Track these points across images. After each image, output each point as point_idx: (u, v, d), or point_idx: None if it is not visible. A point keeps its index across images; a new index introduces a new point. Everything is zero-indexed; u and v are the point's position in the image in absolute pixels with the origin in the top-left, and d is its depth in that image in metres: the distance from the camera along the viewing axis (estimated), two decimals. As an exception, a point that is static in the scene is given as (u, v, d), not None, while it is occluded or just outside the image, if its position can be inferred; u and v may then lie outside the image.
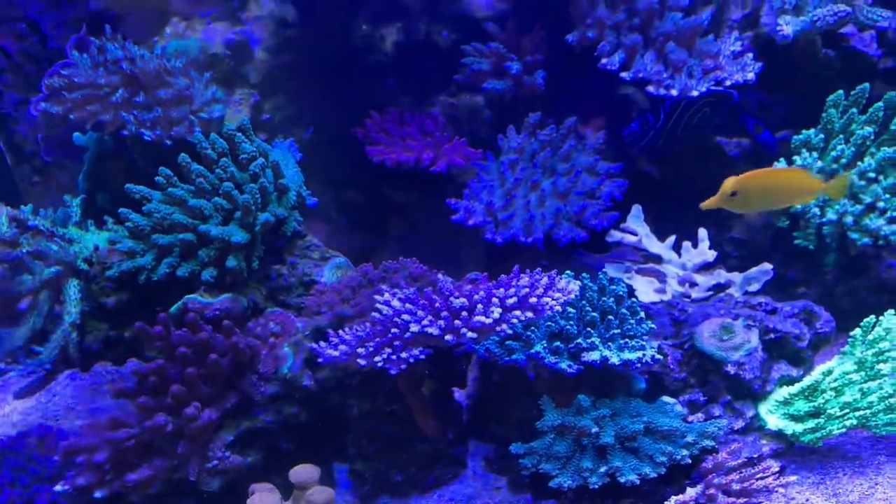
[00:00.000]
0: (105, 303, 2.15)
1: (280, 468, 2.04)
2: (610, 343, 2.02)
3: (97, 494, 1.85)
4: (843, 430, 1.97)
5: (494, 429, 2.20)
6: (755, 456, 2.03)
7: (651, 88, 2.39)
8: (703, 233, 2.50)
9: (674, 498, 1.88)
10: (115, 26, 2.72)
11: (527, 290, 1.75)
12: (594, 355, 1.97)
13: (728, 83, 2.34)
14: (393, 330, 1.74)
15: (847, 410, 1.97)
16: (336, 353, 1.76)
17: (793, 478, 1.96)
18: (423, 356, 1.76)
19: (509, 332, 1.80)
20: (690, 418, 2.09)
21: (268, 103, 2.68)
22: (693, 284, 2.44)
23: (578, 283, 1.95)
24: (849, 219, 2.27)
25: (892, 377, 1.97)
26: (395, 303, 1.77)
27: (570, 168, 2.57)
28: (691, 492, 1.90)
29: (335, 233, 2.93)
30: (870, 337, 2.02)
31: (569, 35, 2.56)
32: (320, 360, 1.81)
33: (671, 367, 2.13)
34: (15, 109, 2.96)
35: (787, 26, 2.27)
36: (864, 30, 2.40)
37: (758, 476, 1.91)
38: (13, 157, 3.03)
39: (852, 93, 2.37)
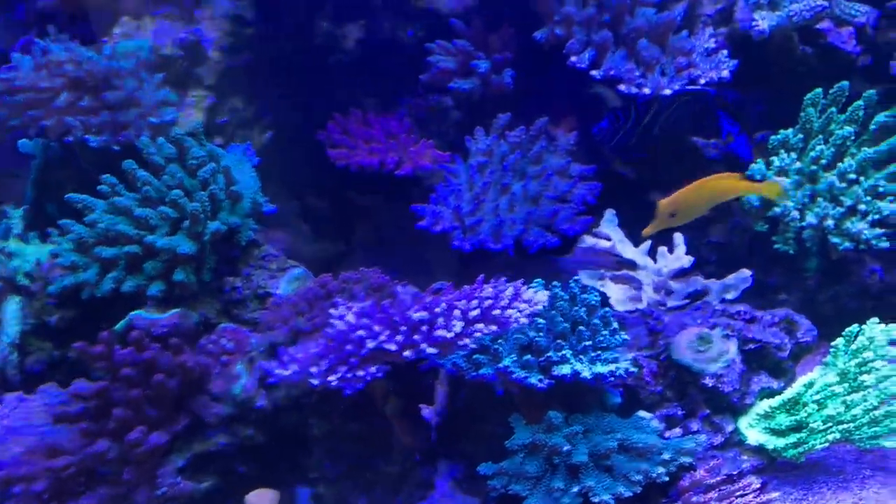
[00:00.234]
0: (48, 321, 2.03)
1: (237, 493, 1.95)
2: (581, 356, 1.92)
3: (36, 526, 1.74)
4: (826, 444, 1.88)
5: (465, 447, 2.10)
6: (735, 473, 1.93)
7: (622, 87, 2.29)
8: (678, 237, 2.41)
9: (650, 519, 1.80)
10: (67, 27, 2.59)
11: (490, 301, 1.66)
12: (565, 369, 1.87)
13: (702, 81, 2.25)
14: (347, 346, 1.63)
15: (830, 424, 1.88)
16: (287, 373, 1.65)
17: (774, 494, 1.86)
18: (380, 374, 1.66)
19: (473, 346, 1.70)
20: (668, 434, 1.99)
21: (224, 105, 2.56)
22: (669, 292, 2.34)
23: (547, 292, 1.85)
24: (829, 222, 2.18)
25: (876, 389, 1.88)
26: (350, 317, 1.66)
27: (540, 171, 2.47)
28: (668, 512, 1.81)
29: (298, 241, 2.81)
30: (852, 347, 1.93)
31: (537, 32, 2.45)
32: (270, 379, 1.70)
33: (646, 379, 2.03)
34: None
35: (763, 21, 2.18)
36: (841, 25, 2.31)
37: (738, 493, 1.83)
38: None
39: (831, 91, 2.28)
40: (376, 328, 1.61)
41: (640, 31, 2.34)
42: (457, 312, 1.61)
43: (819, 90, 2.28)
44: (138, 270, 1.98)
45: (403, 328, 1.61)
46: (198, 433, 1.95)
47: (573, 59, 2.35)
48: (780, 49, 2.34)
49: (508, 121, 2.58)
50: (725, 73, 2.23)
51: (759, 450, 1.96)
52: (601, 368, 1.89)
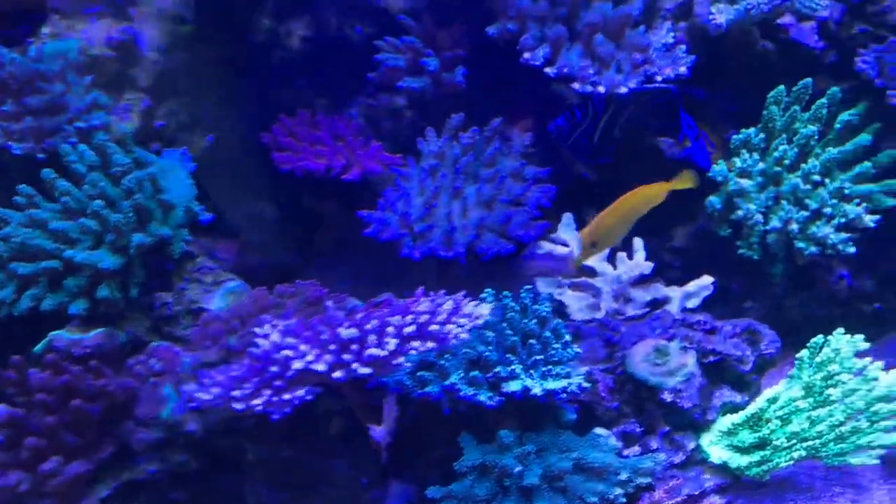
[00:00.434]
0: (-37, 342, 1.90)
1: (171, 522, 1.84)
2: (532, 371, 1.82)
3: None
4: (791, 462, 1.79)
5: (418, 468, 1.98)
6: (697, 492, 1.84)
7: (577, 85, 2.18)
8: (637, 242, 2.30)
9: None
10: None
11: (427, 316, 1.55)
12: (514, 385, 1.77)
13: (658, 78, 2.14)
14: (272, 368, 1.52)
15: (794, 441, 1.78)
16: (207, 397, 1.54)
17: (739, 514, 1.78)
18: (310, 397, 1.55)
19: (407, 365, 1.59)
20: (626, 452, 1.89)
21: (161, 109, 2.42)
22: (628, 300, 2.23)
23: (490, 305, 1.75)
24: (794, 226, 2.08)
25: (842, 403, 1.78)
26: (275, 336, 1.55)
27: (494, 174, 2.36)
28: (625, 535, 1.71)
29: (247, 251, 2.68)
30: (817, 359, 1.83)
31: (489, 27, 2.34)
32: (192, 404, 1.59)
33: (602, 395, 1.93)
34: None
35: (720, 15, 2.08)
36: (803, 20, 2.20)
37: (699, 515, 1.74)
38: None
39: (794, 88, 2.18)
40: (303, 347, 1.50)
41: (596, 26, 2.23)
42: (390, 329, 1.50)
43: (782, 87, 2.18)
44: (60, 287, 1.85)
45: (333, 347, 1.50)
46: (126, 460, 1.83)
47: (526, 55, 2.24)
48: (740, 44, 2.24)
49: (461, 121, 2.47)
50: (683, 70, 2.13)
51: (723, 468, 1.86)
52: (552, 384, 1.79)
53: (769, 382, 2.00)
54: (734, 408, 1.91)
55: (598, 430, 1.89)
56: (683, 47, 2.18)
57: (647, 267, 2.28)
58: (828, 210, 2.07)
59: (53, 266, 1.83)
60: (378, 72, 2.50)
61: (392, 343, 1.50)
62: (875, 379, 1.80)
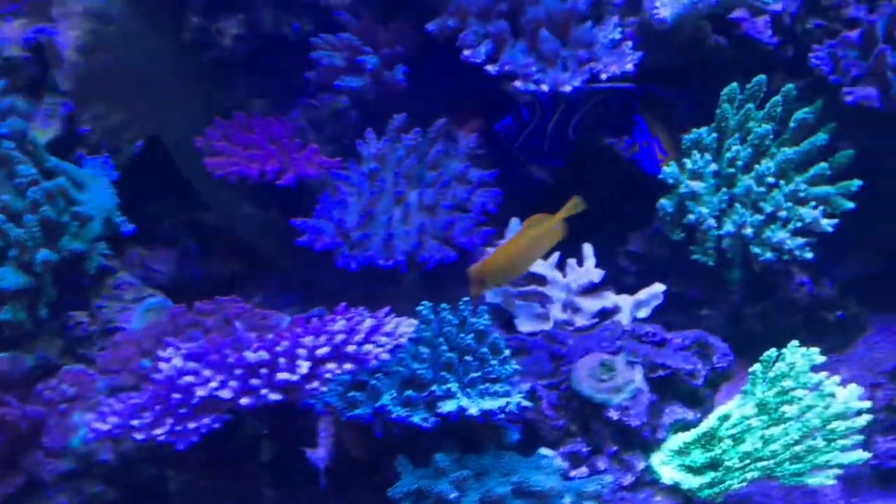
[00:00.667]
0: None
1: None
2: (469, 389, 1.71)
3: None
4: (744, 483, 1.69)
5: (359, 494, 1.87)
6: (646, 516, 1.74)
7: (519, 84, 2.07)
8: (587, 249, 2.19)
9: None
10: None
11: (343, 336, 1.44)
12: (450, 406, 1.66)
13: (603, 76, 2.03)
14: (175, 395, 1.40)
15: (748, 461, 1.68)
16: (105, 427, 1.42)
17: (691, 538, 1.68)
18: (218, 425, 1.44)
19: (323, 389, 1.48)
20: (573, 473, 1.79)
21: (85, 113, 2.30)
22: (577, 310, 2.13)
23: (415, 322, 1.64)
24: (748, 231, 1.98)
25: (798, 421, 1.68)
26: (177, 360, 1.43)
27: (437, 177, 2.24)
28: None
29: (185, 261, 2.56)
30: (771, 374, 1.72)
31: (429, 24, 2.22)
32: (90, 435, 1.47)
33: (546, 413, 1.82)
34: None
35: (665, 9, 1.96)
36: (757, 14, 2.09)
37: (648, 541, 1.63)
38: None
39: (748, 86, 2.08)
40: (206, 373, 1.39)
41: (540, 22, 2.11)
42: (302, 351, 1.39)
43: (735, 85, 2.08)
44: (-40, 308, 1.73)
45: (239, 372, 1.39)
46: (36, 493, 1.71)
47: (466, 52, 2.13)
48: (691, 40, 2.13)
49: (404, 122, 2.35)
50: (629, 66, 2.02)
51: (675, 489, 1.76)
52: (489, 404, 1.68)
53: (725, 396, 1.90)
54: (686, 425, 1.81)
55: (544, 451, 1.79)
56: (630, 43, 2.07)
57: (598, 275, 2.17)
58: (783, 214, 1.97)
59: (-50, 286, 1.70)
60: (316, 71, 2.39)
61: (304, 366, 1.39)
62: (831, 395, 1.70)
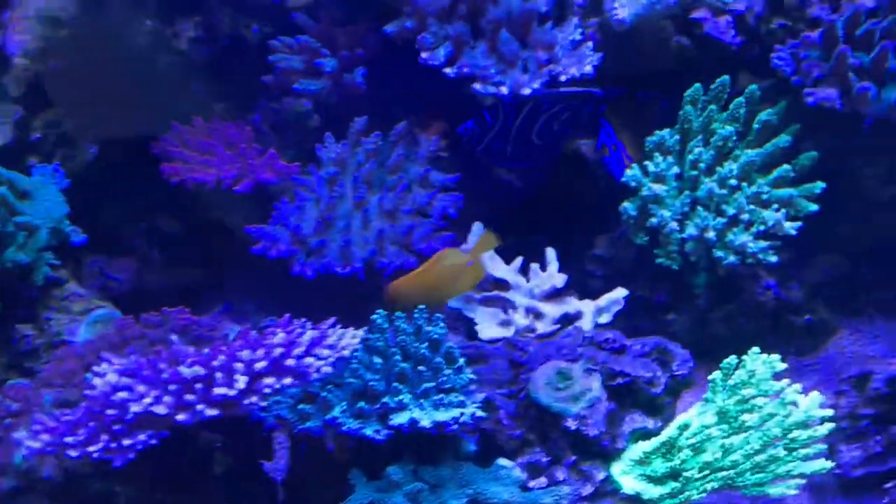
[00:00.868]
0: None
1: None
2: (423, 400, 1.67)
3: None
4: (704, 494, 1.65)
5: (316, 508, 1.84)
6: (606, 528, 1.70)
7: (478, 86, 2.03)
8: (550, 253, 2.16)
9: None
10: None
11: (281, 350, 1.40)
12: (402, 418, 1.62)
13: (563, 78, 1.99)
14: (109, 411, 1.36)
15: (708, 471, 1.64)
16: (37, 445, 1.38)
17: (652, 551, 1.64)
18: (155, 441, 1.40)
19: (263, 403, 1.44)
20: (532, 483, 1.75)
21: (37, 120, 2.25)
22: (540, 315, 2.09)
23: (360, 333, 1.60)
24: (710, 234, 1.94)
25: (759, 430, 1.64)
26: (111, 376, 1.39)
27: (397, 181, 2.20)
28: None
29: (147, 270, 2.51)
30: (731, 382, 1.69)
31: (387, 26, 2.18)
32: (24, 453, 1.42)
33: (503, 422, 1.78)
34: None
35: (623, 10, 1.92)
36: (719, 14, 2.05)
37: (608, 553, 1.60)
38: None
39: (712, 87, 2.04)
40: (140, 388, 1.35)
41: (500, 23, 2.07)
42: (239, 366, 1.35)
43: (698, 86, 2.04)
44: None
45: (173, 387, 1.35)
46: (-23, 512, 1.66)
47: (424, 55, 2.08)
48: (654, 41, 2.09)
49: (364, 125, 2.31)
50: (588, 68, 1.98)
51: (636, 499, 1.72)
52: (442, 415, 1.64)
53: (689, 403, 1.86)
54: (647, 434, 1.77)
55: (502, 461, 1.75)
56: (591, 45, 2.02)
57: (561, 279, 2.13)
58: (745, 216, 1.93)
59: None
60: (274, 74, 2.34)
61: (242, 381, 1.35)
62: (793, 403, 1.66)
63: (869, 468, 1.82)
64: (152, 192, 2.45)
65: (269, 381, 1.38)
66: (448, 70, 2.07)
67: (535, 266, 2.18)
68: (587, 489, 1.75)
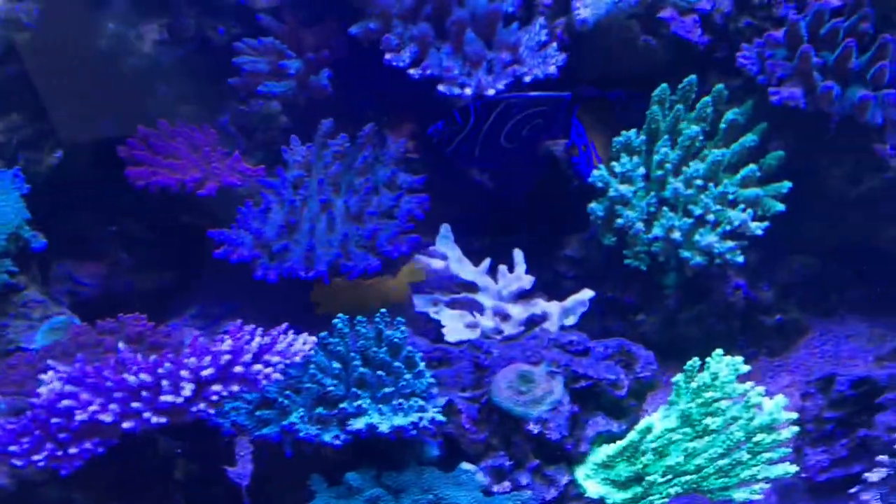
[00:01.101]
0: None
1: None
2: (382, 405, 1.64)
3: None
4: (668, 498, 1.62)
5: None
6: (570, 532, 1.68)
7: (442, 87, 2.01)
8: (518, 255, 2.14)
9: None
10: None
11: (229, 357, 1.37)
12: (360, 423, 1.59)
13: (527, 79, 1.97)
14: (54, 419, 1.34)
15: (671, 476, 1.62)
16: (-21, 454, 1.35)
17: (616, 556, 1.62)
18: (102, 450, 1.38)
19: (211, 412, 1.42)
20: (495, 488, 1.72)
21: (-1, 124, 2.23)
22: (506, 317, 2.06)
23: (313, 339, 1.58)
24: (676, 234, 1.92)
25: (723, 434, 1.62)
26: (56, 384, 1.36)
27: (363, 183, 2.18)
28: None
29: (116, 273, 2.48)
30: (693, 384, 1.66)
31: (352, 27, 2.16)
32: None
33: (465, 426, 1.75)
34: None
35: (585, 10, 1.91)
36: (685, 13, 2.03)
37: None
38: None
39: (679, 86, 2.02)
40: (85, 396, 1.33)
41: (465, 24, 2.05)
42: (185, 373, 1.32)
43: (665, 86, 2.03)
44: None
45: (119, 395, 1.32)
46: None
47: (389, 56, 2.07)
48: (620, 41, 2.07)
49: (331, 127, 2.28)
50: (552, 69, 1.96)
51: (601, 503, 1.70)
52: (401, 420, 1.61)
53: (658, 404, 1.84)
54: (611, 437, 1.75)
55: (465, 466, 1.72)
56: (555, 45, 2.01)
57: (528, 281, 2.11)
58: (711, 217, 1.91)
59: None
60: (240, 77, 2.32)
61: (188, 388, 1.32)
62: (757, 405, 1.64)
63: (834, 472, 1.80)
64: (122, 195, 2.42)
65: (216, 388, 1.35)
66: (412, 71, 2.05)
67: (503, 268, 2.16)
68: (551, 493, 1.72)
